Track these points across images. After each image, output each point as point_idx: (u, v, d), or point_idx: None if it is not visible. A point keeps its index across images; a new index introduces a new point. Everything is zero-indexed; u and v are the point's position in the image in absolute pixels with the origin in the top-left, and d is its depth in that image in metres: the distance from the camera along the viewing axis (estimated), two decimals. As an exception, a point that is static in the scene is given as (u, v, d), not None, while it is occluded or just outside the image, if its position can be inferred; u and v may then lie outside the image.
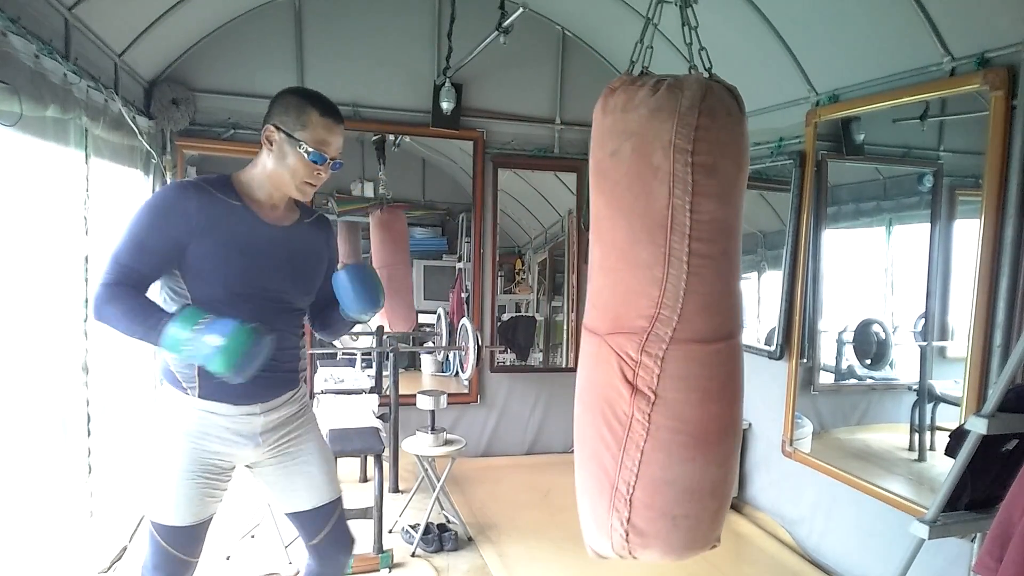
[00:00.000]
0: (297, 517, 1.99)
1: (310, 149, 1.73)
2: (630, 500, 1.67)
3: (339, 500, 2.04)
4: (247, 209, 1.77)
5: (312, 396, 4.12)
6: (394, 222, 5.10)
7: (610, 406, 1.67)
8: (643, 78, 1.65)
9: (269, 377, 1.79)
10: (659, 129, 1.57)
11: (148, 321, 1.61)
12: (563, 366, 4.98)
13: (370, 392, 4.08)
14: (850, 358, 3.51)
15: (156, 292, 1.75)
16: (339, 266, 1.93)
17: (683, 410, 1.64)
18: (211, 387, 1.74)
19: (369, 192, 5.00)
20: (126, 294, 1.63)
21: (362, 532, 3.17)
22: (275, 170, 1.77)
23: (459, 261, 5.09)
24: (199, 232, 1.67)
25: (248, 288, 1.74)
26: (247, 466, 1.93)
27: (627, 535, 1.69)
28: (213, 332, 1.57)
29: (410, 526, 3.38)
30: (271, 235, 1.79)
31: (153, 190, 3.95)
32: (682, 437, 1.65)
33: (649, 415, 1.63)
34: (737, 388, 1.74)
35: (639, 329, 1.63)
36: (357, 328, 4.80)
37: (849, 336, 3.50)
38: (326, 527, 1.99)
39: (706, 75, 1.71)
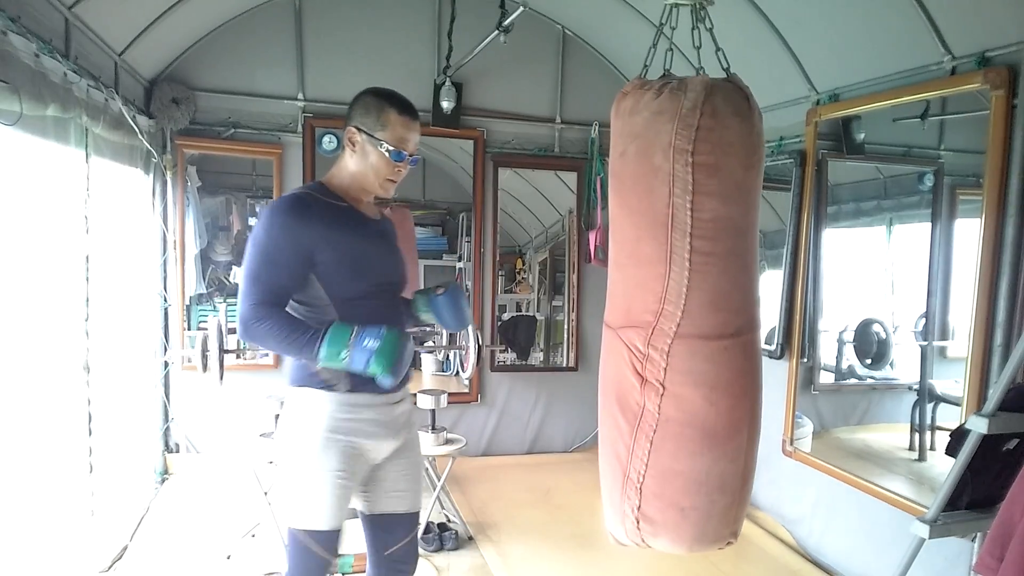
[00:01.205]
0: (385, 520, 1.99)
1: (391, 148, 1.81)
2: (640, 488, 1.73)
3: (419, 512, 2.08)
4: (352, 208, 1.85)
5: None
6: (403, 221, 5.09)
7: (623, 396, 1.74)
8: (652, 82, 1.70)
9: (406, 363, 1.89)
10: (660, 131, 1.62)
11: (301, 339, 1.69)
12: (563, 365, 4.98)
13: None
14: (850, 358, 3.51)
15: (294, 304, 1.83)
16: (438, 290, 2.03)
17: (691, 404, 1.68)
18: (359, 379, 1.79)
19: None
20: (274, 314, 1.71)
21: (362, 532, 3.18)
22: (359, 169, 1.85)
23: (459, 261, 5.08)
24: (325, 239, 1.75)
25: (378, 279, 1.85)
26: (374, 463, 1.95)
27: (638, 522, 1.75)
28: (367, 338, 1.69)
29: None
30: (375, 229, 1.90)
31: (153, 189, 3.96)
32: (690, 430, 1.69)
33: (659, 406, 1.69)
34: (749, 384, 1.76)
35: (645, 324, 1.69)
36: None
37: (849, 336, 3.50)
38: (408, 536, 2.02)
39: (724, 75, 1.75)
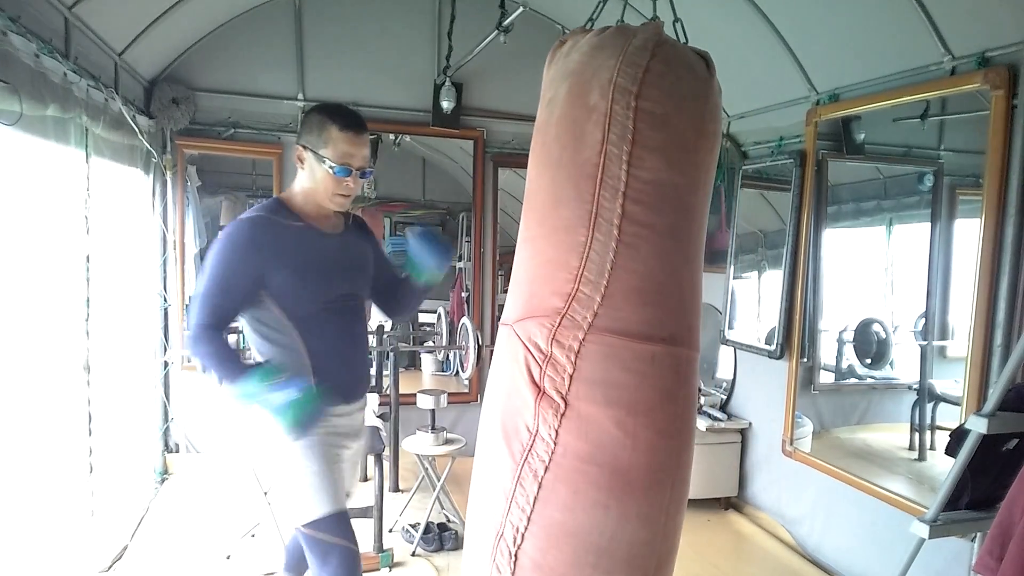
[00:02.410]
0: None
1: (335, 164, 1.82)
2: (515, 555, 1.26)
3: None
4: (309, 226, 1.88)
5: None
6: (373, 225, 5.09)
7: (511, 418, 1.30)
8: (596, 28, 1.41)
9: (364, 374, 2.03)
10: (600, 67, 1.29)
11: (233, 371, 1.75)
12: (563, 365, 4.97)
13: (370, 391, 4.07)
14: (850, 357, 3.51)
15: (248, 331, 1.90)
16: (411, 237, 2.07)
17: (599, 431, 1.24)
18: (327, 392, 1.83)
19: (369, 191, 5.00)
20: (217, 339, 1.77)
21: (362, 531, 3.17)
22: (310, 187, 1.88)
23: (459, 260, 5.08)
24: (278, 261, 1.80)
25: (334, 296, 1.89)
26: None
27: None
28: (288, 388, 1.71)
29: (410, 525, 3.38)
30: (334, 244, 1.92)
31: (153, 189, 3.96)
32: (593, 469, 1.23)
33: (556, 431, 1.25)
34: (680, 418, 1.31)
35: (551, 311, 1.28)
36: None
37: (849, 335, 3.50)
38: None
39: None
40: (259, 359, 1.88)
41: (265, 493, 3.15)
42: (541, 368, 1.28)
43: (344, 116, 1.85)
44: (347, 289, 1.94)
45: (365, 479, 4.06)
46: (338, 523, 1.89)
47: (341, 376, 1.91)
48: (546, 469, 1.25)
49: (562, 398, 1.25)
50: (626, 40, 1.30)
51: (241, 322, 1.90)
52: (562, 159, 1.31)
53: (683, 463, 1.33)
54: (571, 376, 1.26)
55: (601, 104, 1.27)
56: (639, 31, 1.33)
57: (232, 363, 1.77)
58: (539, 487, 1.25)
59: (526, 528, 1.25)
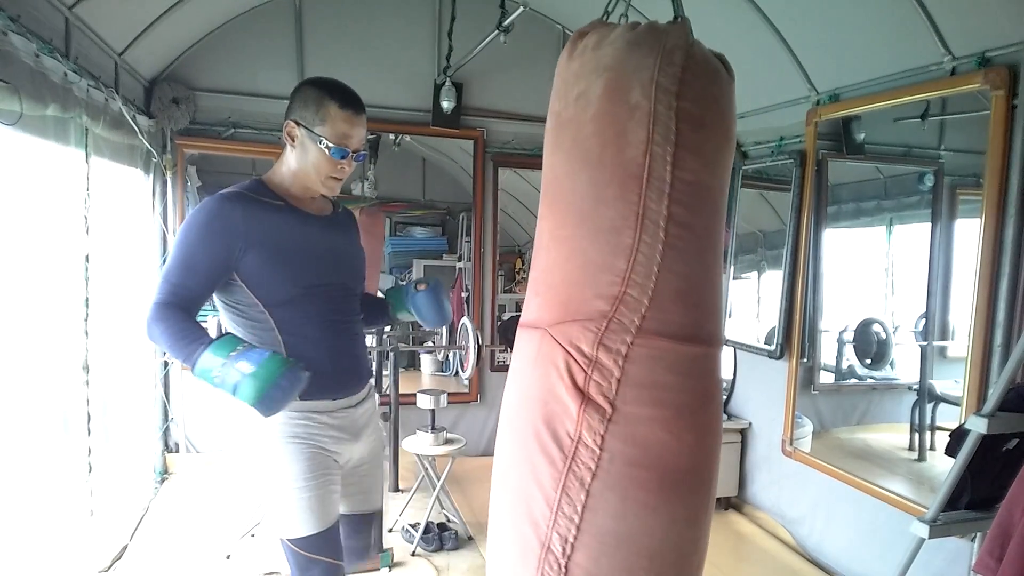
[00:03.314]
0: (343, 518, 1.90)
1: (331, 145, 1.69)
2: (565, 567, 1.23)
3: (379, 510, 2.04)
4: (290, 207, 1.75)
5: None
6: (372, 226, 5.09)
7: (549, 425, 1.26)
8: (618, 23, 1.37)
9: (355, 367, 1.83)
10: (639, 64, 1.25)
11: (189, 347, 1.58)
12: (563, 365, 4.97)
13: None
14: (850, 358, 3.51)
15: (223, 314, 1.76)
16: (418, 286, 1.97)
17: (647, 433, 1.23)
18: (308, 387, 1.65)
19: (369, 192, 5.01)
20: (173, 316, 1.61)
21: (362, 531, 3.18)
22: (300, 167, 1.74)
23: (459, 260, 5.08)
24: (251, 241, 1.65)
25: (315, 281, 1.73)
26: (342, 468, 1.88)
27: None
28: (244, 360, 1.54)
29: (410, 525, 3.38)
30: (319, 226, 1.78)
31: (153, 189, 3.96)
32: (643, 473, 1.23)
33: (602, 436, 1.22)
34: (714, 418, 1.34)
35: (597, 314, 1.24)
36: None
37: (849, 336, 3.50)
38: (363, 531, 1.97)
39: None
40: None
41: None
42: (586, 373, 1.24)
43: (344, 93, 1.72)
44: (331, 277, 1.78)
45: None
46: (323, 542, 1.74)
47: (323, 368, 1.69)
48: (593, 476, 1.22)
49: (609, 403, 1.23)
50: (660, 39, 1.27)
51: (219, 308, 1.76)
52: (603, 158, 1.26)
53: (717, 460, 1.36)
54: (619, 381, 1.23)
55: (644, 103, 1.24)
56: (670, 30, 1.30)
57: (188, 336, 1.59)
58: (587, 495, 1.22)
59: (575, 538, 1.23)
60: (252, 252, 1.65)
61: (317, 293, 1.73)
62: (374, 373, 2.03)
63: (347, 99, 1.71)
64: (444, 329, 4.95)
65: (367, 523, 1.98)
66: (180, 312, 1.62)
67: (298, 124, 1.71)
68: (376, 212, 5.04)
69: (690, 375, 1.27)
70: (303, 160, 1.73)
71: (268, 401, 1.54)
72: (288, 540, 1.74)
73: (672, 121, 1.23)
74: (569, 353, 1.25)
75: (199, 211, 1.67)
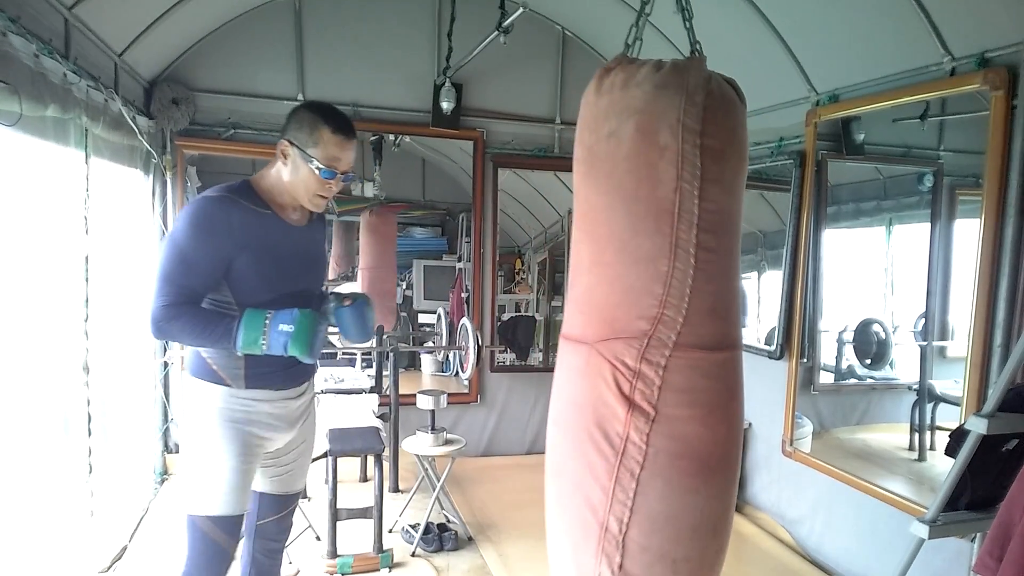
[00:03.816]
0: (266, 497, 2.07)
1: (321, 166, 1.80)
2: (623, 542, 1.46)
3: (299, 492, 2.17)
4: (275, 216, 1.86)
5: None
6: (382, 225, 5.10)
7: (600, 427, 1.48)
8: (640, 60, 1.53)
9: (303, 365, 1.93)
10: (667, 105, 1.42)
11: (217, 330, 1.74)
12: (563, 366, 4.97)
13: (370, 392, 4.08)
14: (850, 358, 3.51)
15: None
16: (345, 301, 2.02)
17: (685, 429, 1.46)
18: (256, 377, 1.85)
19: (369, 192, 5.01)
20: (186, 311, 1.74)
21: (362, 532, 3.18)
22: (289, 182, 1.85)
23: (459, 261, 5.09)
24: (242, 245, 1.76)
25: (288, 288, 1.86)
26: (267, 452, 2.00)
27: None
28: (282, 323, 1.74)
29: (410, 526, 3.38)
30: (297, 236, 1.90)
31: (153, 190, 3.96)
32: (684, 462, 1.46)
33: (647, 435, 1.44)
34: (739, 409, 1.57)
35: (639, 333, 1.45)
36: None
37: (849, 336, 3.50)
38: (280, 512, 2.10)
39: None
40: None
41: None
42: (631, 383, 1.45)
43: (337, 119, 1.83)
44: (304, 284, 1.93)
45: (365, 479, 4.07)
46: (231, 525, 1.87)
47: (273, 363, 1.84)
48: (641, 468, 1.44)
49: (653, 407, 1.44)
50: (683, 79, 1.44)
51: None
52: (638, 194, 1.45)
53: (740, 442, 1.62)
54: (660, 388, 1.45)
55: (672, 144, 1.42)
56: (691, 68, 1.46)
57: (215, 322, 1.74)
58: (637, 484, 1.45)
59: (629, 519, 1.45)
60: (240, 256, 1.77)
61: (286, 299, 1.84)
62: (317, 370, 2.13)
63: (340, 125, 1.83)
64: (444, 330, 4.95)
65: (289, 503, 2.12)
66: (189, 307, 1.75)
67: (292, 144, 1.82)
68: (386, 212, 5.05)
69: (719, 377, 1.49)
70: (294, 176, 1.84)
71: (313, 349, 1.78)
72: (203, 517, 1.85)
73: (697, 158, 1.42)
74: (615, 367, 1.47)
75: (194, 212, 1.76)
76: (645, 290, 1.45)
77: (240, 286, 1.80)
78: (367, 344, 2.16)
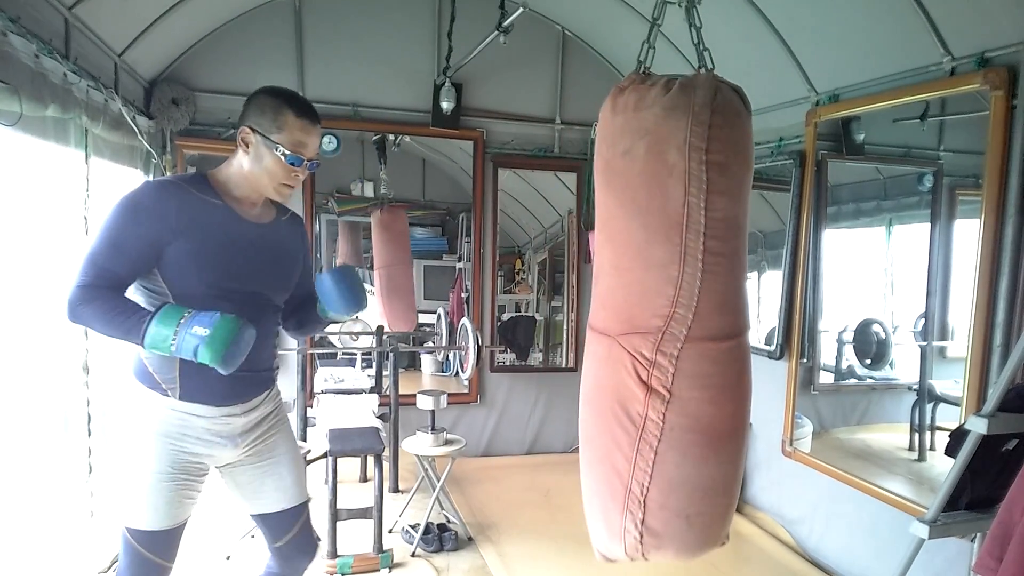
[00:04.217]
0: (263, 519, 1.97)
1: (287, 152, 1.71)
2: (644, 501, 1.68)
3: (307, 504, 2.03)
4: (227, 207, 1.75)
5: (312, 396, 4.12)
6: (394, 222, 5.10)
7: (623, 407, 1.68)
8: (652, 77, 1.66)
9: (249, 376, 1.80)
10: (674, 127, 1.58)
11: (128, 321, 1.59)
12: (563, 366, 4.98)
13: (370, 392, 4.08)
14: (850, 358, 3.51)
15: (132, 291, 1.72)
16: (322, 270, 1.92)
17: (697, 408, 1.66)
18: (193, 389, 1.72)
19: (369, 192, 5.01)
20: (102, 295, 1.61)
21: (362, 532, 3.18)
22: (252, 171, 1.75)
23: (459, 261, 5.09)
24: (179, 232, 1.65)
25: (229, 284, 1.73)
26: (218, 467, 1.90)
27: (641, 537, 1.70)
28: (197, 324, 1.56)
29: (410, 526, 3.38)
30: (251, 233, 1.78)
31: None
32: (695, 436, 1.66)
33: (664, 414, 1.64)
34: (746, 386, 1.77)
35: (654, 329, 1.64)
36: (356, 328, 4.81)
37: (849, 336, 3.50)
38: (292, 530, 1.98)
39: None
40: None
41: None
42: (648, 371, 1.65)
43: (300, 103, 1.74)
44: (248, 284, 1.76)
45: (365, 479, 4.07)
46: (161, 541, 1.75)
47: (214, 375, 1.63)
48: (659, 441, 1.66)
49: (668, 391, 1.65)
50: (690, 99, 1.58)
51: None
52: (651, 208, 1.63)
53: (748, 415, 1.81)
54: (673, 375, 1.64)
55: (680, 163, 1.58)
56: (699, 86, 1.60)
57: (126, 311, 1.60)
58: (655, 454, 1.66)
59: (649, 483, 1.67)
60: (176, 243, 1.65)
61: (228, 298, 1.71)
62: (275, 381, 1.97)
63: (304, 109, 1.74)
64: (444, 330, 4.95)
65: (295, 517, 1.98)
66: (109, 291, 1.62)
67: (253, 130, 1.72)
68: (396, 209, 5.05)
69: (727, 362, 1.70)
70: (256, 166, 1.74)
71: (229, 359, 1.58)
72: (129, 529, 1.74)
73: (703, 173, 1.58)
74: (635, 357, 1.67)
75: (133, 196, 1.66)
76: (659, 292, 1.63)
77: (172, 274, 1.66)
78: (358, 313, 2.00)
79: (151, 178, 3.90)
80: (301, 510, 2.00)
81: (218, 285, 1.71)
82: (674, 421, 1.65)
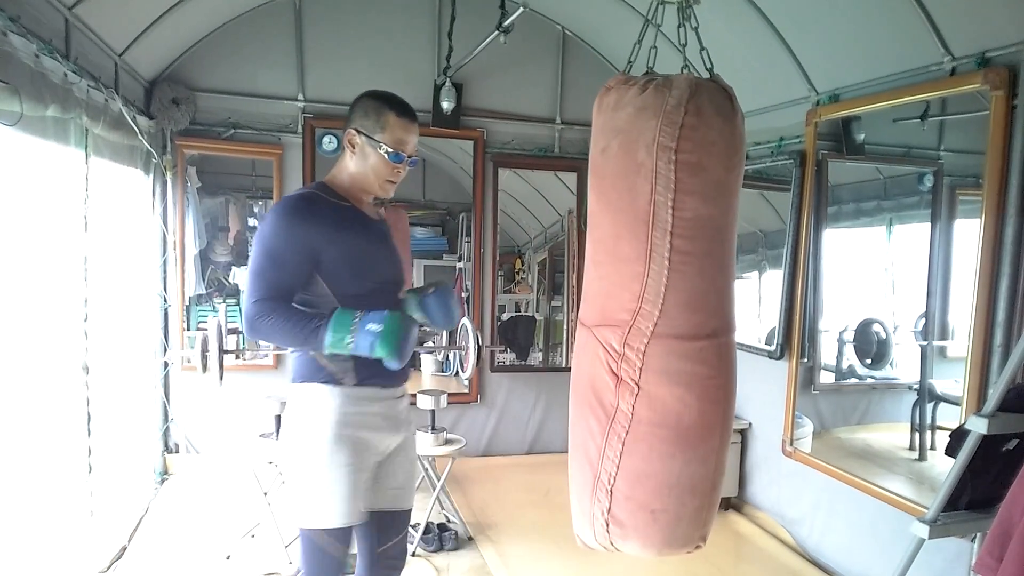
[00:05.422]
0: (381, 517, 2.00)
1: (390, 149, 1.85)
2: (611, 491, 1.70)
3: (411, 511, 2.10)
4: (355, 208, 1.89)
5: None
6: (397, 222, 5.09)
7: (597, 396, 1.72)
8: (636, 78, 1.67)
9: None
10: (644, 127, 1.60)
11: (305, 330, 1.73)
12: (563, 366, 4.98)
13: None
14: (850, 357, 3.51)
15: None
16: (428, 290, 2.05)
17: (664, 404, 1.66)
18: (366, 372, 1.84)
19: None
20: (277, 308, 1.75)
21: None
22: (359, 171, 1.89)
23: (459, 261, 5.08)
24: (329, 238, 1.78)
25: (376, 279, 1.88)
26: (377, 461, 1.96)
27: (607, 525, 1.73)
28: (371, 322, 1.73)
29: (410, 525, 3.37)
30: (376, 228, 1.95)
31: (153, 190, 3.96)
32: (663, 431, 1.67)
33: (633, 406, 1.66)
34: (723, 387, 1.74)
35: (621, 323, 1.67)
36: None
37: (850, 335, 3.50)
38: (401, 534, 2.06)
39: (707, 75, 1.72)
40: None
41: (265, 493, 3.15)
42: (617, 363, 1.67)
43: (401, 104, 1.89)
44: (392, 274, 1.95)
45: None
46: (349, 533, 1.87)
47: (378, 363, 1.80)
48: (627, 433, 1.67)
49: (635, 383, 1.66)
50: (663, 100, 1.59)
51: None
52: (620, 205, 1.65)
53: (726, 417, 1.76)
54: (640, 368, 1.66)
55: (647, 162, 1.59)
56: (674, 87, 1.61)
57: (304, 321, 1.74)
58: (623, 445, 1.68)
59: (616, 473, 1.69)
60: (331, 248, 1.79)
61: (381, 289, 1.88)
62: (409, 376, 2.10)
63: (403, 109, 1.89)
64: (439, 330, 4.95)
65: (401, 522, 2.06)
66: (282, 303, 1.77)
67: (359, 132, 1.87)
68: (399, 208, 5.05)
69: (697, 361, 1.68)
70: (363, 165, 1.88)
71: (402, 351, 1.75)
72: (315, 530, 1.82)
73: (672, 172, 1.59)
74: (606, 349, 1.69)
75: (281, 209, 1.80)
76: (626, 287, 1.66)
77: (335, 278, 1.81)
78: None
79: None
80: (409, 516, 2.10)
81: (372, 280, 1.86)
82: (642, 414, 1.67)
